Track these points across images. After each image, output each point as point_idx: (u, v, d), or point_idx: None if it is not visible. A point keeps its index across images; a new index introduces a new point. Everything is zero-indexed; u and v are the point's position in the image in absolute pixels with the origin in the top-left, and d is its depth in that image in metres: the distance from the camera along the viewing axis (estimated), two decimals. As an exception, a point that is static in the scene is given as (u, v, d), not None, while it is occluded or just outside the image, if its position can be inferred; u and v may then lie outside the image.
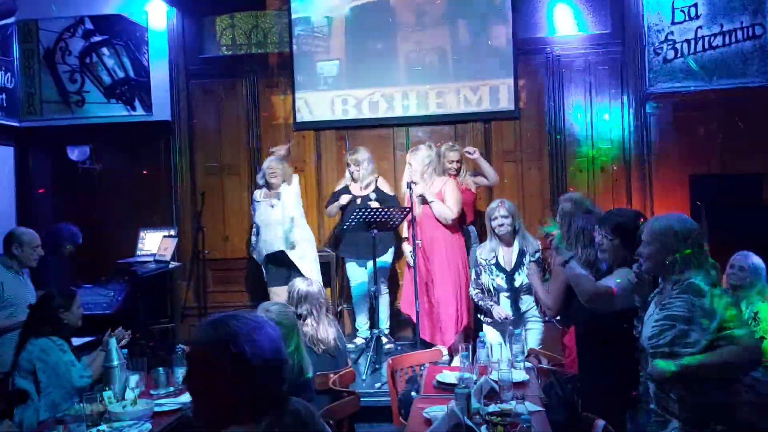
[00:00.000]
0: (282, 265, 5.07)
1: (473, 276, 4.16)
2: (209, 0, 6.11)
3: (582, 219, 3.27)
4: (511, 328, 3.97)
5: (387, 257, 5.22)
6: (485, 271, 4.04)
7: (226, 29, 6.15)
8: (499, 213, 3.97)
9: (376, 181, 5.20)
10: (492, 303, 4.00)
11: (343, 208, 5.18)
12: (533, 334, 3.99)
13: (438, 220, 4.70)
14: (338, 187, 5.33)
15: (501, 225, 3.96)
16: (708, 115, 5.65)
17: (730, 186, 5.25)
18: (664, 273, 2.45)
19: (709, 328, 2.29)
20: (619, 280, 2.77)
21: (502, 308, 3.99)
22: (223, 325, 1.48)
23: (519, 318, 4.00)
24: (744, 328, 2.35)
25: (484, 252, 4.07)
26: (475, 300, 4.14)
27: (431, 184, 4.77)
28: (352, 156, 5.22)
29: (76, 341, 3.68)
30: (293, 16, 5.94)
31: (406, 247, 4.95)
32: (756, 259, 3.76)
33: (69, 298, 3.46)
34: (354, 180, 5.21)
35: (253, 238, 5.25)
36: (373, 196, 5.10)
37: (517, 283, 3.98)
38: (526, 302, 3.99)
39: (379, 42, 5.89)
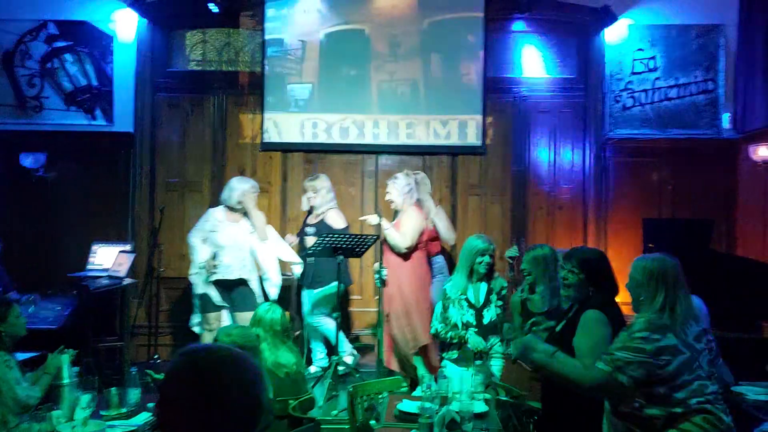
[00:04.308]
0: (224, 290, 4.89)
1: (439, 310, 4.09)
2: (181, 14, 6.06)
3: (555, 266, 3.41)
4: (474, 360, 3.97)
5: (331, 287, 5.06)
6: (455, 306, 4.00)
7: (197, 44, 6.10)
8: (488, 252, 4.00)
9: (326, 213, 5.11)
10: (467, 333, 3.95)
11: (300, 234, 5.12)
12: (495, 368, 4.00)
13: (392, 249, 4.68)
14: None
15: (489, 263, 4.00)
16: (662, 162, 5.93)
17: (680, 230, 5.47)
18: (637, 308, 2.56)
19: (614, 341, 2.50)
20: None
21: (477, 338, 3.95)
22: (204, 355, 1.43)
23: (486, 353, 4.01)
24: (607, 365, 2.43)
25: (455, 287, 4.03)
26: (442, 334, 4.04)
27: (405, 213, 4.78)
28: (311, 182, 5.17)
29: (18, 356, 3.49)
30: (267, 37, 5.95)
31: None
32: (697, 302, 3.89)
33: (4, 309, 3.25)
34: (310, 206, 5.16)
35: (200, 259, 4.87)
36: (310, 231, 5.03)
37: (485, 320, 3.99)
38: (491, 339, 4.00)
39: (353, 69, 5.95)
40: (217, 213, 4.94)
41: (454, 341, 3.98)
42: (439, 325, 4.05)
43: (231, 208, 4.89)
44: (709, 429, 2.39)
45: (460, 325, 3.98)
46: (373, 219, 4.74)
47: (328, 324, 5.14)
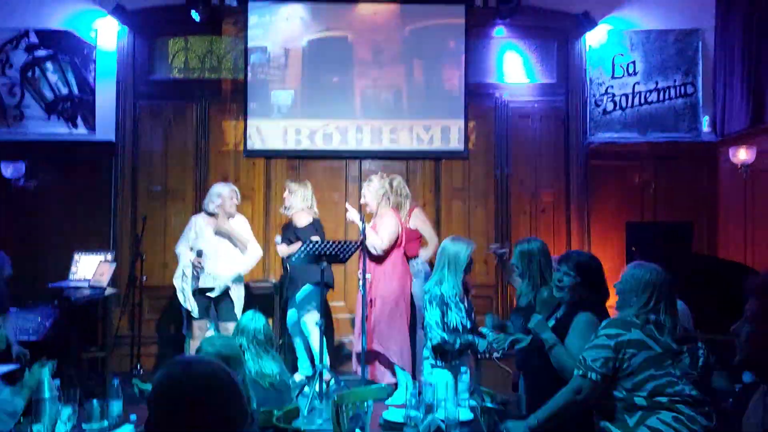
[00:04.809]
0: (207, 298, 4.88)
1: (437, 317, 3.76)
2: (163, 22, 6.02)
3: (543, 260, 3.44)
4: (461, 366, 3.92)
5: (305, 289, 5.09)
6: (452, 310, 3.77)
7: (179, 52, 6.08)
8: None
9: (294, 214, 5.15)
10: (473, 337, 3.75)
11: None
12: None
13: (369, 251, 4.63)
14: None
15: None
16: (642, 165, 5.99)
17: (662, 233, 5.52)
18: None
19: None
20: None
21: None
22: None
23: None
24: (579, 370, 2.54)
25: (451, 291, 3.78)
26: (451, 342, 3.73)
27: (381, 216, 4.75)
28: (290, 183, 5.23)
29: (-1, 369, 3.46)
30: (250, 44, 5.94)
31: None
32: (679, 305, 3.92)
33: None
34: (285, 207, 5.22)
35: (187, 267, 4.87)
36: (277, 239, 5.16)
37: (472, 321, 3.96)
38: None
39: (336, 75, 5.96)
40: (199, 220, 4.95)
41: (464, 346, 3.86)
42: (444, 334, 3.72)
43: (211, 215, 4.91)
44: (679, 428, 2.42)
45: (461, 329, 3.84)
46: (352, 215, 4.71)
47: (311, 325, 5.11)
